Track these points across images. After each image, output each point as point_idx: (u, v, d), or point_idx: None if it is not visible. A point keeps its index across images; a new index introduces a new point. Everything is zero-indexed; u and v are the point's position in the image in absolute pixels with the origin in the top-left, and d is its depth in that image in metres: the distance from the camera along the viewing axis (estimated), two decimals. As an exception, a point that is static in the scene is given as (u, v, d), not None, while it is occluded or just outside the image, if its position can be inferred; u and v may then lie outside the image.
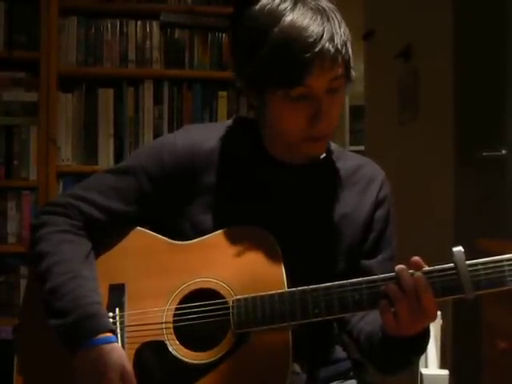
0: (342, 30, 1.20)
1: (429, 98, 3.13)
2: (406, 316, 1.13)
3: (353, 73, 1.26)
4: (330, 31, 1.18)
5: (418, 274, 1.14)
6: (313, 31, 1.17)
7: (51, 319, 1.21)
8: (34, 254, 1.27)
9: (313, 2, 1.20)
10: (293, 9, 1.19)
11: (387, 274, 1.17)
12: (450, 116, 2.82)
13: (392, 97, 3.54)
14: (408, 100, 3.33)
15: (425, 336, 1.20)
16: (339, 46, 1.18)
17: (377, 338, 1.25)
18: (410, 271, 1.15)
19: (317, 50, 1.16)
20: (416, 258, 1.15)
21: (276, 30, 1.18)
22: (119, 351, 1.18)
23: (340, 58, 1.19)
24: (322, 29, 1.17)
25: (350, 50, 1.22)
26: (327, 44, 1.17)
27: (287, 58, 1.17)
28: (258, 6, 1.21)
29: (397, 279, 1.15)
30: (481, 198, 2.65)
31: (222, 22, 2.80)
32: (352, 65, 1.25)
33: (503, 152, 2.60)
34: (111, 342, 1.18)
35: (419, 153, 3.23)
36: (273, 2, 1.21)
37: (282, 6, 1.20)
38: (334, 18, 1.20)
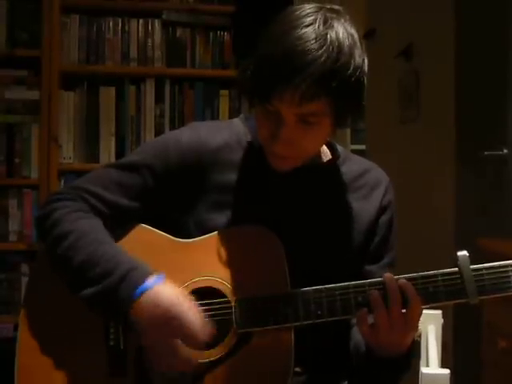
0: (343, 74, 1.14)
1: (430, 97, 3.13)
2: (386, 325, 1.14)
3: (347, 122, 1.23)
4: (314, 69, 1.12)
5: (404, 281, 1.15)
6: (295, 61, 1.13)
7: (90, 288, 1.19)
8: (52, 239, 1.26)
9: (323, 31, 1.14)
10: (302, 28, 1.15)
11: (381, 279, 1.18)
12: (452, 115, 2.82)
13: (393, 96, 3.54)
14: (409, 99, 3.33)
15: (405, 360, 1.21)
16: (316, 86, 1.12)
17: (362, 350, 1.26)
18: (398, 277, 1.16)
19: (288, 80, 1.13)
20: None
21: (274, 42, 1.17)
22: (172, 287, 1.19)
23: (321, 98, 1.14)
24: (307, 63, 1.12)
25: (346, 97, 1.16)
26: (301, 79, 1.11)
27: (263, 75, 1.16)
28: (284, 13, 1.20)
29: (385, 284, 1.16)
30: (482, 198, 2.65)
31: (223, 21, 2.80)
32: (349, 112, 1.21)
33: (505, 151, 2.60)
34: (162, 281, 1.18)
35: (420, 152, 3.23)
36: (294, 12, 1.18)
37: (297, 22, 1.16)
38: (338, 59, 1.13)
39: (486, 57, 2.66)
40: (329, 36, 1.14)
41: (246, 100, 2.73)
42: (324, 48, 1.13)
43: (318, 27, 1.15)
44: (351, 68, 1.15)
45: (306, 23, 1.16)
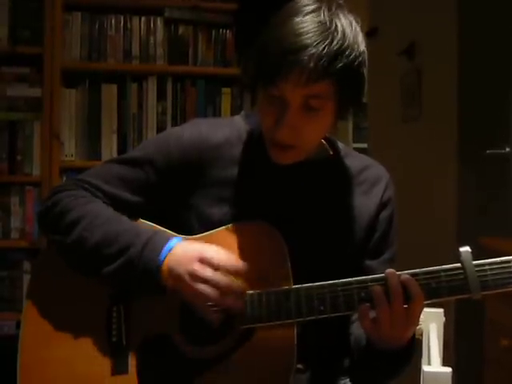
0: (348, 58, 1.16)
1: (432, 95, 3.13)
2: (387, 320, 1.14)
3: (350, 109, 1.24)
4: (320, 48, 1.14)
5: (407, 276, 1.15)
6: (301, 40, 1.15)
7: (113, 264, 1.21)
8: (64, 226, 1.26)
9: (328, 17, 1.17)
10: (306, 14, 1.18)
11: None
12: (454, 114, 2.82)
13: (395, 94, 3.55)
14: (411, 98, 3.33)
15: (406, 352, 1.21)
16: (323, 66, 1.14)
17: (363, 344, 1.26)
18: (401, 272, 1.15)
19: (295, 58, 1.14)
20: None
21: (278, 26, 1.19)
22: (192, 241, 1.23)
23: (326, 80, 1.16)
24: (311, 42, 1.15)
25: (350, 82, 1.18)
26: (306, 58, 1.14)
27: (269, 56, 1.18)
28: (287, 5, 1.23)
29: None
30: (484, 196, 2.65)
31: (226, 19, 2.80)
32: (351, 100, 1.22)
33: (507, 150, 2.60)
34: (182, 241, 1.22)
35: (422, 150, 3.24)
36: (296, 3, 1.21)
37: (301, 9, 1.19)
38: (343, 42, 1.16)
39: (488, 55, 2.66)
40: (334, 21, 1.17)
41: (248, 96, 2.76)
42: (329, 31, 1.16)
43: (323, 13, 1.18)
44: (354, 53, 1.18)
45: (310, 10, 1.19)
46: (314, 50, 1.14)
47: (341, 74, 1.16)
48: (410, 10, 3.39)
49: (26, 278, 2.62)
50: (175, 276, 1.18)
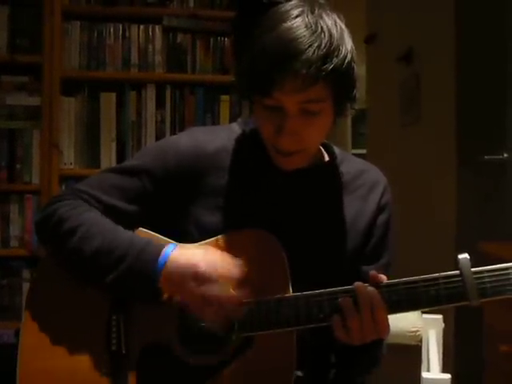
0: (337, 57, 1.17)
1: (430, 101, 3.14)
2: (358, 328, 1.16)
3: (346, 108, 1.25)
4: (310, 54, 1.15)
5: (372, 288, 1.16)
6: (290, 48, 1.15)
7: (111, 274, 1.22)
8: (61, 235, 1.27)
9: (312, 20, 1.18)
10: (291, 19, 1.18)
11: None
12: (452, 119, 2.82)
13: (394, 100, 3.55)
14: (410, 103, 3.34)
15: (375, 346, 1.23)
16: (315, 70, 1.15)
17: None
18: (366, 285, 1.17)
19: (287, 67, 1.15)
20: (373, 273, 1.18)
21: (266, 36, 1.19)
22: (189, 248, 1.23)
23: (319, 83, 1.16)
24: (303, 48, 1.15)
25: (343, 81, 1.19)
26: (300, 64, 1.14)
27: (261, 68, 1.18)
28: (269, 13, 1.23)
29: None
30: (482, 201, 2.65)
31: (224, 27, 2.81)
32: (347, 97, 1.23)
33: (504, 156, 2.60)
34: (176, 248, 1.22)
35: (421, 156, 3.24)
36: (279, 9, 1.21)
37: (285, 15, 1.19)
38: (331, 43, 1.17)
39: (486, 61, 2.66)
40: (318, 23, 1.18)
41: (246, 103, 2.77)
42: (316, 34, 1.17)
43: (307, 16, 1.19)
44: (342, 52, 1.19)
45: (294, 15, 1.19)
46: (304, 57, 1.15)
47: (333, 75, 1.17)
48: (408, 16, 3.41)
49: (26, 286, 2.62)
50: (174, 282, 1.19)
